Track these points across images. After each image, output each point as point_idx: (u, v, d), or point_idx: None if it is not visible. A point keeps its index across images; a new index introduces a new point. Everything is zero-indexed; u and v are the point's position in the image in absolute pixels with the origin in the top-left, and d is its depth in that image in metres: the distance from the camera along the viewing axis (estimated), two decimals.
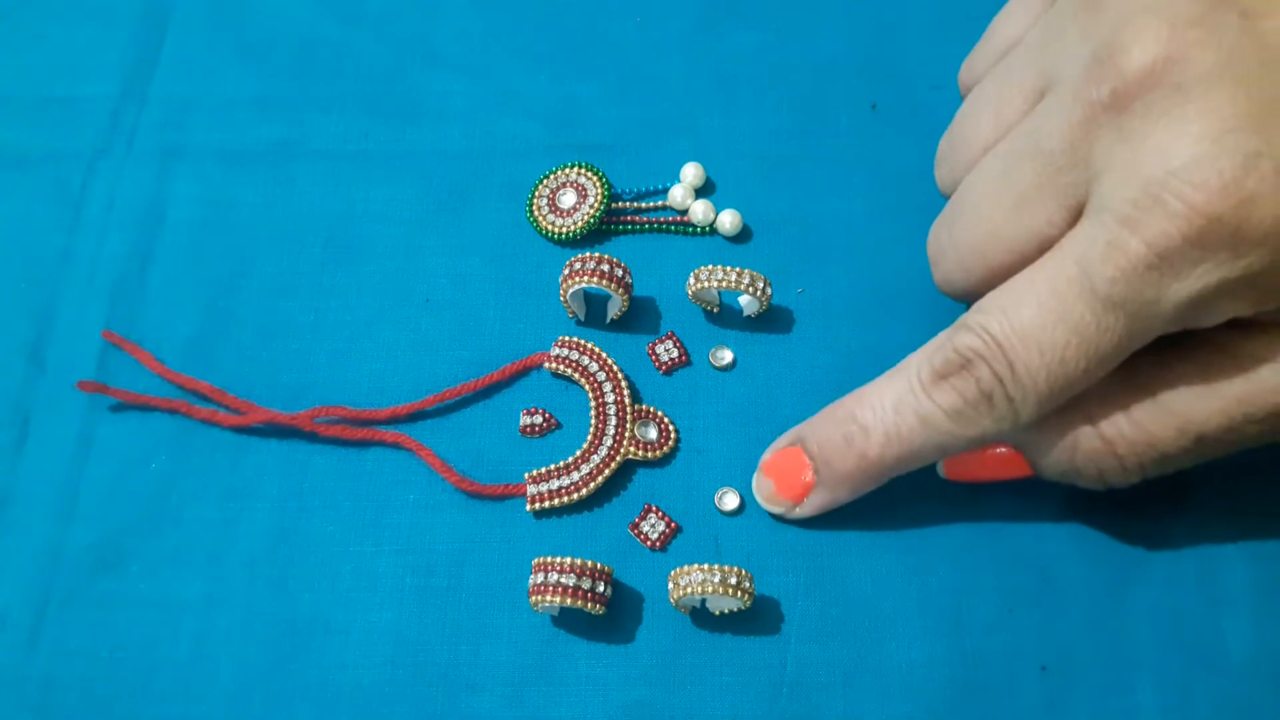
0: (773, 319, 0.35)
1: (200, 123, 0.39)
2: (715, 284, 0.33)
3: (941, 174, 0.33)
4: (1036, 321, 0.26)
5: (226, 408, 0.34)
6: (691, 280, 0.34)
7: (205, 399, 0.34)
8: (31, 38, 0.41)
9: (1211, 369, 0.27)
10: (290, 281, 0.36)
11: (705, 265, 0.34)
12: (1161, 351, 0.28)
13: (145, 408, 0.34)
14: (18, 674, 0.31)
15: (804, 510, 0.32)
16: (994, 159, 0.29)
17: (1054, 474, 0.30)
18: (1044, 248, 0.27)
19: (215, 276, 0.36)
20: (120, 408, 0.34)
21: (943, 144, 0.33)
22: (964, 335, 0.27)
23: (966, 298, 0.30)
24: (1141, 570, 0.32)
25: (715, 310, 0.35)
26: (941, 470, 0.31)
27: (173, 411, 0.34)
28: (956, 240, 0.30)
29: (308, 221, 0.37)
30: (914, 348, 0.34)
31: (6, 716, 0.30)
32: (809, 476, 0.31)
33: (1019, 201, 0.28)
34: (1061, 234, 0.27)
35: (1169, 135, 0.24)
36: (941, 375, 0.28)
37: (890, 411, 0.29)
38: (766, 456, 0.32)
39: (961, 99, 0.33)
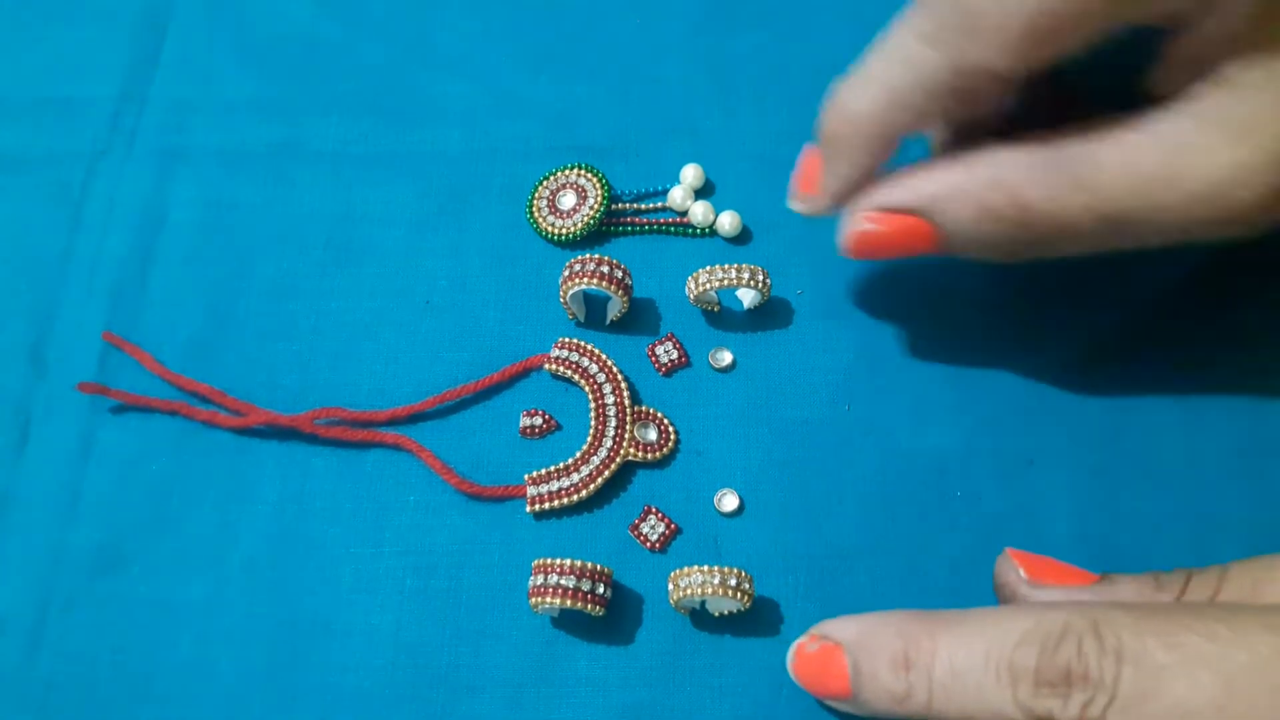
0: (773, 320, 0.35)
1: (200, 124, 0.39)
2: (715, 284, 0.34)
3: None
4: None
5: (227, 409, 0.34)
6: (691, 284, 0.34)
7: (205, 400, 0.34)
8: (31, 38, 0.41)
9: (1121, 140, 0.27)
10: (290, 283, 0.36)
11: (703, 267, 0.34)
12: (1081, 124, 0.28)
13: (146, 409, 0.34)
14: (19, 675, 0.31)
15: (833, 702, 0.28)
16: None
17: (962, 237, 0.29)
18: None
19: (215, 278, 0.36)
20: (121, 409, 0.34)
21: None
22: (1071, 650, 0.24)
23: None
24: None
25: (716, 309, 0.35)
26: (843, 246, 0.31)
27: (173, 413, 0.34)
28: None
29: (308, 223, 0.37)
30: (913, 348, 0.35)
31: (8, 717, 0.31)
32: (846, 686, 0.27)
33: None
34: None
35: None
36: (1042, 682, 0.24)
37: (969, 690, 0.25)
38: (807, 646, 0.28)
39: None
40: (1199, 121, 0.26)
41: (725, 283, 0.33)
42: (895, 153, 0.30)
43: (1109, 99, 0.29)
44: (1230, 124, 0.26)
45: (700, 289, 0.34)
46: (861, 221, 0.30)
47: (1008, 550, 0.29)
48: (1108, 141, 0.27)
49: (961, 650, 0.25)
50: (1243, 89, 0.26)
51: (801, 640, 0.28)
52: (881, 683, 0.26)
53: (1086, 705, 0.23)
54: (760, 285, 0.33)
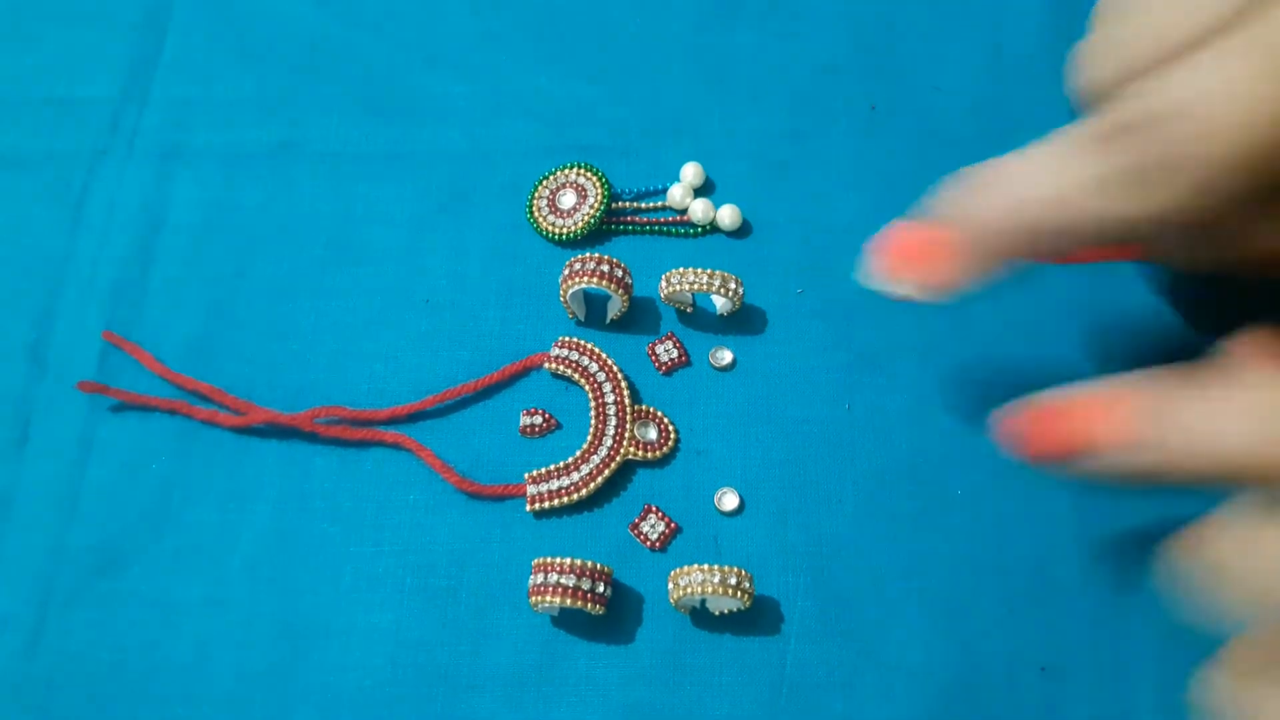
0: (773, 319, 0.35)
1: (200, 124, 0.39)
2: (687, 286, 0.34)
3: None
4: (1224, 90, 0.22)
5: (227, 408, 0.34)
6: (663, 284, 0.34)
7: (206, 400, 0.34)
8: (31, 38, 0.41)
9: None
10: (290, 282, 0.36)
11: (676, 268, 0.34)
12: None
13: (146, 408, 0.34)
14: (19, 675, 0.31)
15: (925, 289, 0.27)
16: None
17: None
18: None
19: (216, 277, 0.36)
20: (121, 408, 0.34)
21: None
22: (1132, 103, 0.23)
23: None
24: (1142, 570, 0.32)
25: (689, 310, 0.35)
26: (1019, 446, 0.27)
27: (173, 412, 0.34)
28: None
29: (308, 222, 0.37)
30: (914, 349, 0.35)
31: (7, 717, 0.31)
32: (942, 239, 0.26)
33: None
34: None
35: None
36: (1107, 137, 0.23)
37: (1048, 172, 0.25)
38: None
39: None
40: None
41: (697, 287, 0.33)
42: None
43: None
44: None
45: (672, 289, 0.34)
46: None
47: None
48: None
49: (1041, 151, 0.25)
50: None
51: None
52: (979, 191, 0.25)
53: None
54: (732, 294, 0.33)
